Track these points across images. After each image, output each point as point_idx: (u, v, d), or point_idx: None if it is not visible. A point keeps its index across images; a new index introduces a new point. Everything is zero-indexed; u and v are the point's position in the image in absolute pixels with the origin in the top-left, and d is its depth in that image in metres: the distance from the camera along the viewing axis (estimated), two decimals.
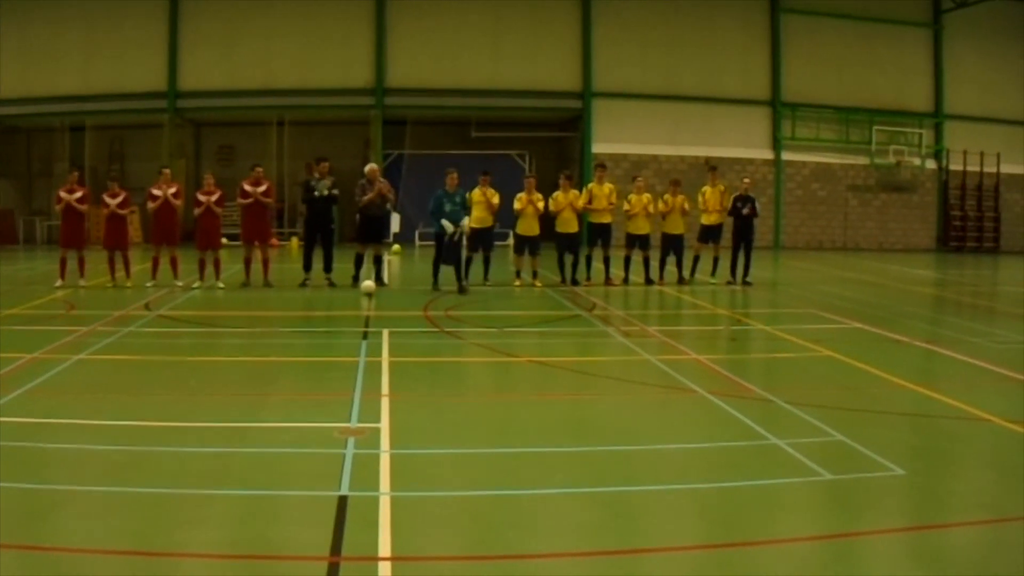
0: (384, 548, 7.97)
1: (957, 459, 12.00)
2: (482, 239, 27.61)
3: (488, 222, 27.68)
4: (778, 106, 47.44)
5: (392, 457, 10.62)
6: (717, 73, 46.47)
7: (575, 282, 28.02)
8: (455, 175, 26.12)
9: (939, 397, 14.90)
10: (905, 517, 9.76)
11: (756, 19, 47.15)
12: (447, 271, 26.20)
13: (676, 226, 29.28)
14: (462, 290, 25.44)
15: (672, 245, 29.34)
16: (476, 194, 27.21)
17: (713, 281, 29.66)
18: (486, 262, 27.78)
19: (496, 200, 27.66)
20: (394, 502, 9.13)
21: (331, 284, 26.29)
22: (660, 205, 29.35)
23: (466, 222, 25.45)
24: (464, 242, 26.21)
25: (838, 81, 48.38)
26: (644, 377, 16.13)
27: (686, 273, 29.73)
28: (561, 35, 43.87)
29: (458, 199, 25.86)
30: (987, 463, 11.82)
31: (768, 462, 11.29)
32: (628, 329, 21.16)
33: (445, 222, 25.45)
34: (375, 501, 9.15)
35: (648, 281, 28.79)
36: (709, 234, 30.09)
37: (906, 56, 50.03)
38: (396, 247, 35.90)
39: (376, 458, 10.57)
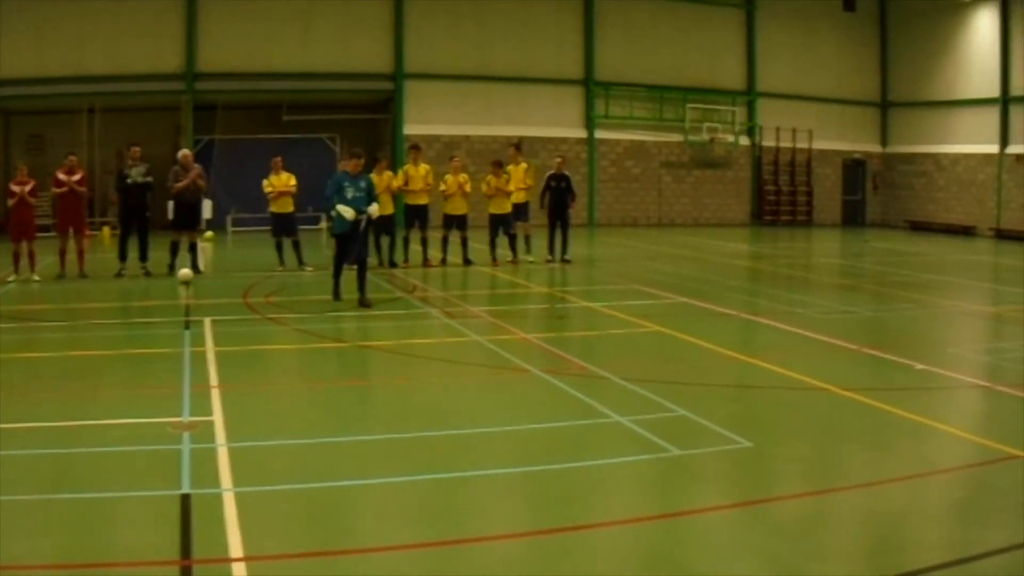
0: (235, 548, 7.64)
1: (802, 429, 12.10)
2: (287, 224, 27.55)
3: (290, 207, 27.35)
4: (591, 85, 47.38)
5: (230, 451, 10.29)
6: (530, 53, 46.29)
7: (392, 264, 27.69)
8: (362, 158, 21.97)
9: (775, 368, 15.05)
10: (759, 489, 9.81)
11: None
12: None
13: (501, 206, 29.06)
14: (365, 303, 20.96)
15: (500, 224, 29.10)
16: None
17: (530, 260, 29.47)
18: (296, 246, 27.23)
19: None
20: (239, 498, 8.82)
21: (147, 273, 25.53)
22: (484, 187, 29.11)
23: (374, 208, 21.64)
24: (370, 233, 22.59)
25: (652, 60, 48.44)
26: (475, 358, 16.05)
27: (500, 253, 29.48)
28: (373, 17, 43.39)
29: (363, 184, 21.53)
30: (831, 431, 12.00)
31: (614, 440, 11.24)
32: (451, 310, 21.03)
33: (343, 208, 20.95)
34: (219, 498, 8.84)
35: (467, 262, 28.49)
36: (518, 212, 29.89)
37: (719, 35, 50.43)
38: (209, 234, 35.27)
39: (214, 453, 10.23)
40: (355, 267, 21.35)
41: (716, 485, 9.86)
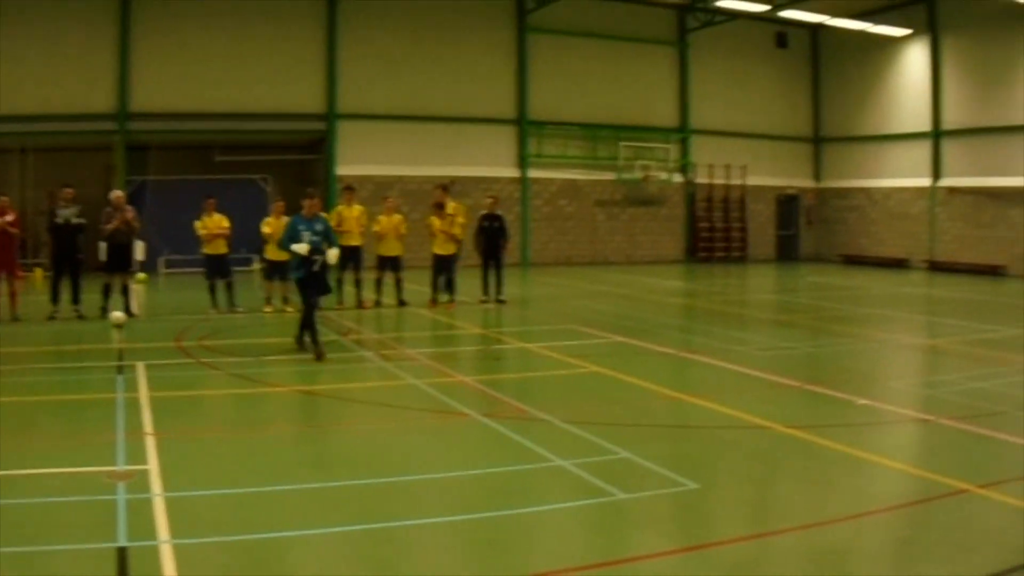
0: None
1: (747, 469, 12.05)
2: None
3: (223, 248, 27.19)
4: (525, 124, 47.42)
5: (167, 501, 10.02)
6: (463, 93, 46.19)
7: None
8: (316, 199, 20.97)
9: (717, 407, 15.02)
10: (708, 532, 9.75)
11: (503, 39, 47.05)
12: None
13: (445, 247, 28.79)
14: (319, 355, 19.73)
15: (442, 266, 28.82)
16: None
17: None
18: (229, 287, 27.13)
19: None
20: (177, 551, 8.59)
21: (80, 316, 25.19)
22: (431, 228, 28.81)
23: (333, 253, 20.41)
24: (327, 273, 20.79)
25: (585, 99, 48.64)
26: (413, 402, 15.79)
27: (443, 296, 29.11)
28: (306, 57, 43.10)
29: (319, 227, 20.38)
30: (776, 470, 11.99)
31: (557, 485, 11.11)
32: (388, 353, 20.79)
33: (296, 245, 19.92)
34: (156, 551, 8.59)
35: (401, 303, 28.21)
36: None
37: (652, 73, 50.77)
38: (142, 275, 34.85)
39: (150, 503, 9.97)
40: (315, 301, 20.40)
41: (664, 529, 9.74)
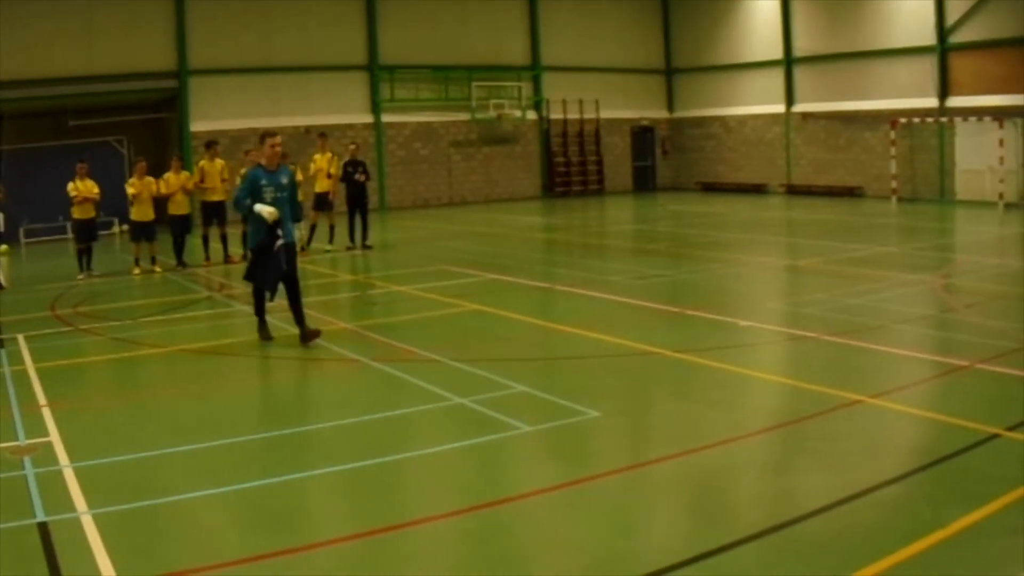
0: (108, 573, 7.38)
1: (645, 394, 12.37)
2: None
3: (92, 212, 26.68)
4: (376, 69, 47.22)
5: (77, 472, 9.89)
6: (313, 41, 45.80)
7: (182, 264, 26.98)
8: (277, 143, 16.57)
9: (603, 337, 15.23)
10: (625, 455, 10.01)
11: None
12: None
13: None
14: (307, 337, 16.18)
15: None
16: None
17: (331, 248, 29.19)
18: (89, 252, 26.54)
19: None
20: (98, 521, 8.48)
21: None
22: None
23: (303, 226, 16.00)
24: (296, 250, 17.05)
25: (435, 40, 48.44)
26: (301, 352, 15.71)
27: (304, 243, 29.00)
28: (154, 15, 42.29)
29: (285, 180, 16.39)
30: (676, 394, 12.28)
31: (462, 422, 11.26)
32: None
33: (262, 208, 15.85)
34: (78, 523, 8.47)
35: None
36: (321, 202, 29.63)
37: (502, 12, 50.75)
38: (4, 247, 34.32)
39: (60, 475, 9.84)
40: (270, 288, 16.52)
41: (579, 456, 9.90)
